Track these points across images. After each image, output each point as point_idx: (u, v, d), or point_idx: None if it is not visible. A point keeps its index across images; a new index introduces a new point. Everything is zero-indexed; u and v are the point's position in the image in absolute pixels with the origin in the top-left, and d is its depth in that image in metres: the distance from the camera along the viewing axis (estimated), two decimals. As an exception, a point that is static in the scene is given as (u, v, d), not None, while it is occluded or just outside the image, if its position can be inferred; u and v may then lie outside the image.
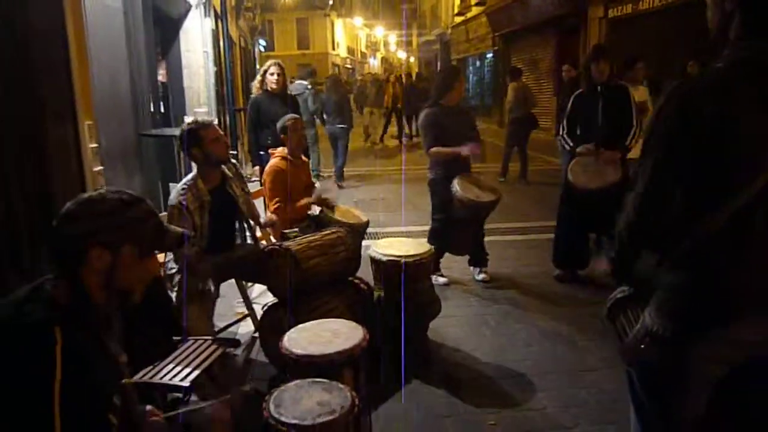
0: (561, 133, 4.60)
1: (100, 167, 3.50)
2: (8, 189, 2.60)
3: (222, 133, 3.42)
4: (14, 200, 2.62)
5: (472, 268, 4.83)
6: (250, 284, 4.02)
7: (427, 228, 4.75)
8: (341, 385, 2.08)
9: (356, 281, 3.59)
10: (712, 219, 1.34)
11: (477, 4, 19.11)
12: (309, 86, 8.95)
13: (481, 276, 4.74)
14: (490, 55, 19.11)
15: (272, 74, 5.37)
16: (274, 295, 3.34)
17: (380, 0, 50.39)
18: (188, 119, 5.48)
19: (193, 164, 3.45)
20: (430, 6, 26.67)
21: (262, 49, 26.50)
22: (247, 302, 3.82)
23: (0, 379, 1.29)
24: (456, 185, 4.18)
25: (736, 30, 1.37)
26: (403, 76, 17.22)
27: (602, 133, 4.39)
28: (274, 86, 5.41)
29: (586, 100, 4.49)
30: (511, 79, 9.89)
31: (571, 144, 4.47)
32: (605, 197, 4.29)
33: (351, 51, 48.91)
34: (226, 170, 3.49)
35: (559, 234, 4.76)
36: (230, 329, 3.85)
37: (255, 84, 5.69)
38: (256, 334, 3.63)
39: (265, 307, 3.33)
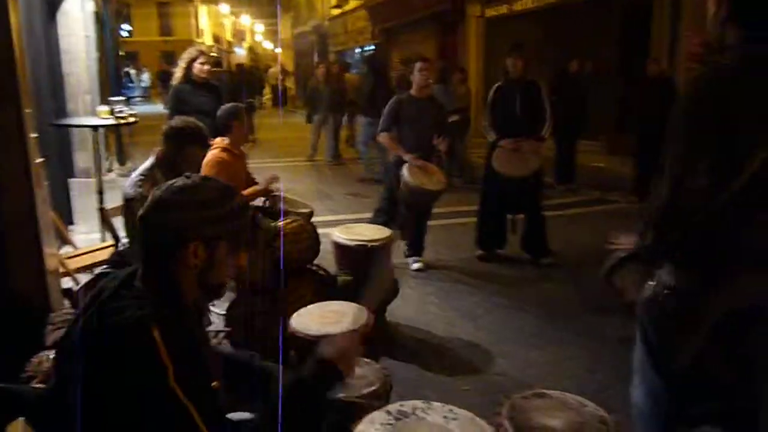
0: (484, 123, 4.98)
1: (42, 159, 3.24)
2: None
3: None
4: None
5: (407, 258, 5.01)
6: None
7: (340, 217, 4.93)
8: (366, 360, 2.22)
9: (315, 268, 3.68)
10: (728, 190, 1.66)
11: (356, -2, 19.41)
12: None
13: (416, 265, 4.94)
14: (370, 48, 19.52)
15: (202, 63, 5.12)
16: (243, 286, 3.33)
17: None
18: (102, 108, 5.17)
19: (151, 155, 3.29)
20: (305, -3, 26.56)
21: (125, 35, 24.85)
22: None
23: (110, 383, 1.24)
24: (405, 169, 4.39)
25: (731, 36, 1.71)
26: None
27: (520, 124, 4.83)
28: (204, 75, 5.17)
29: (504, 93, 4.91)
30: None
31: (495, 135, 4.86)
32: (526, 183, 4.78)
33: (217, 39, 47.07)
34: None
35: (482, 217, 5.16)
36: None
37: (177, 72, 5.36)
38: (219, 328, 3.58)
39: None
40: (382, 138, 4.69)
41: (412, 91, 4.74)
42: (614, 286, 2.33)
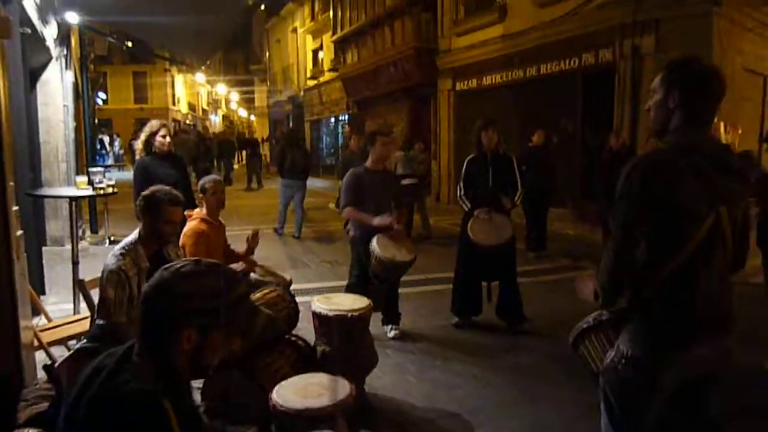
0: (459, 194, 5.15)
1: (21, 231, 3.25)
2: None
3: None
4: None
5: (384, 326, 5.01)
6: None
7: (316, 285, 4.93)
8: (348, 433, 2.22)
9: (293, 338, 3.67)
10: (669, 265, 1.79)
11: (330, 70, 20.06)
12: None
13: (393, 333, 4.95)
14: (344, 118, 20.06)
15: (163, 136, 5.16)
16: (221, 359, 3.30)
17: (221, 59, 50.26)
18: (81, 179, 5.19)
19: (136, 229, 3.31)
20: (281, 68, 27.29)
21: (100, 103, 25.07)
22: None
23: None
24: (374, 243, 4.38)
25: (676, 121, 1.88)
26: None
27: (492, 194, 5.01)
28: (165, 148, 5.20)
29: (477, 165, 5.10)
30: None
31: (469, 205, 5.02)
32: (500, 252, 4.91)
33: (192, 107, 47.77)
34: None
35: (458, 285, 5.23)
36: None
37: (138, 146, 5.41)
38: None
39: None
40: (347, 212, 4.64)
41: (368, 164, 4.73)
42: (580, 356, 2.42)
